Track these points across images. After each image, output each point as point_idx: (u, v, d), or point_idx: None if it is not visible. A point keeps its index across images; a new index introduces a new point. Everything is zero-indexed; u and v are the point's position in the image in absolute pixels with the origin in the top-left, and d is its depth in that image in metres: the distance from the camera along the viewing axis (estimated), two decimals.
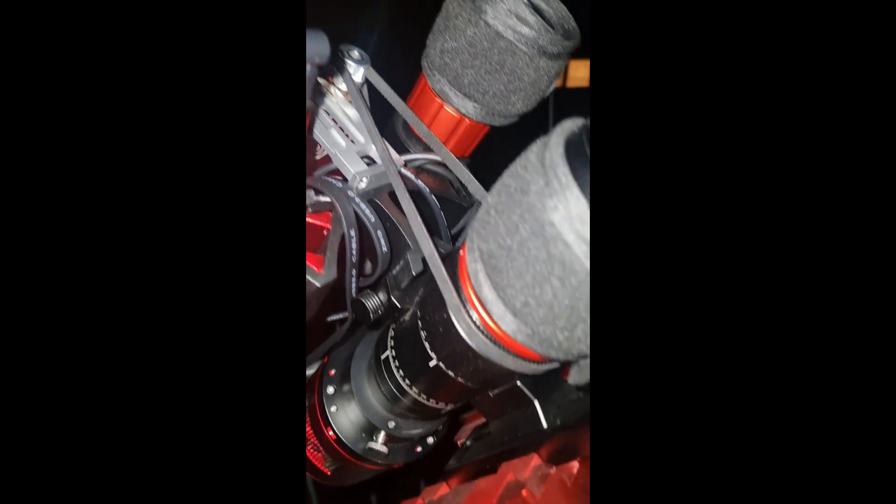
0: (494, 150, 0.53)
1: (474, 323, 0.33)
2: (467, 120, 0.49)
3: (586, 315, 0.28)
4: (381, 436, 0.52)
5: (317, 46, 0.27)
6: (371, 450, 0.51)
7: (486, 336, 0.33)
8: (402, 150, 0.49)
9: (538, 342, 0.30)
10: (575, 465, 0.37)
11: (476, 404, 0.46)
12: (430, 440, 0.57)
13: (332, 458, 0.56)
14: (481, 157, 0.55)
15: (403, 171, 0.45)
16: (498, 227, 0.29)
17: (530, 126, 0.49)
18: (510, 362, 0.34)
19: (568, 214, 0.24)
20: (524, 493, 0.33)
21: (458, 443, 0.58)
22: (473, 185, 0.42)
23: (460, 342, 0.35)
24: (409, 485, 0.57)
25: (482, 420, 0.56)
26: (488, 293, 0.31)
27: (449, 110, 0.48)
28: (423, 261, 0.43)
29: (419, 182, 0.47)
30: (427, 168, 0.51)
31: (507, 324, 0.31)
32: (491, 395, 0.43)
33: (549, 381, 0.42)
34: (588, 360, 0.31)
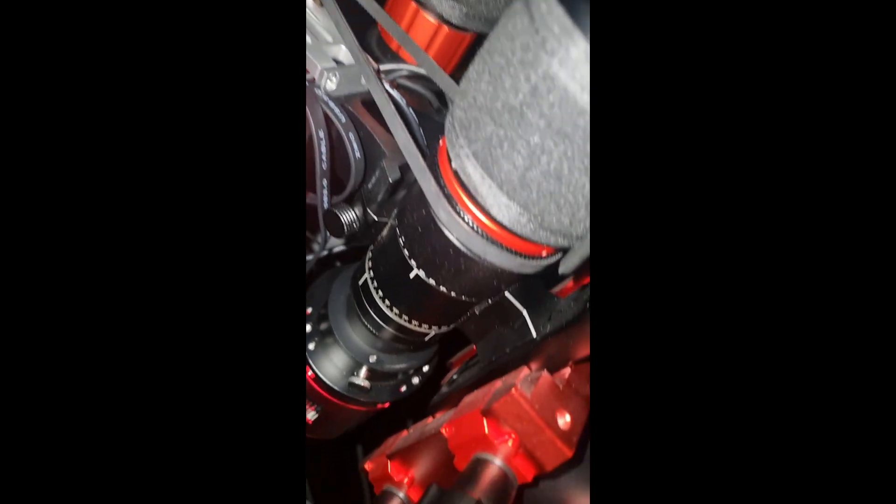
0: None
1: (455, 211, 0.31)
2: (446, 28, 0.45)
3: (586, 180, 0.25)
4: (363, 370, 0.49)
5: None
6: (353, 385, 0.49)
7: (469, 224, 0.30)
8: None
9: (533, 223, 0.28)
10: (567, 371, 0.34)
11: (462, 327, 0.43)
12: (416, 380, 0.55)
13: (312, 402, 0.53)
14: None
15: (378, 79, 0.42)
16: (485, 105, 0.26)
17: None
18: (494, 255, 0.31)
19: (567, 61, 0.22)
20: (514, 390, 0.30)
21: (444, 383, 0.55)
22: (455, 91, 0.39)
23: (440, 237, 0.32)
24: (396, 427, 0.54)
25: (469, 356, 0.54)
26: (478, 180, 0.28)
27: (427, 17, 0.45)
28: (401, 168, 0.40)
29: (395, 94, 0.44)
30: (403, 83, 0.47)
31: (500, 208, 0.28)
32: (476, 312, 0.41)
33: (536, 294, 0.39)
34: (584, 241, 0.28)
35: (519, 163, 0.26)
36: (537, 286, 0.39)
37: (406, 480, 0.41)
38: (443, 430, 0.35)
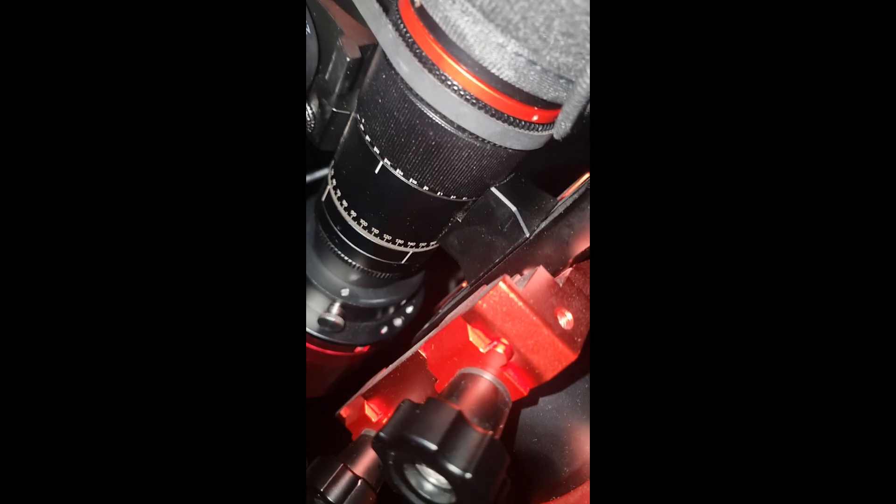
0: None
1: (418, 58, 0.24)
2: None
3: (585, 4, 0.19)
4: (336, 306, 0.43)
5: None
6: (324, 321, 0.43)
7: (437, 76, 0.24)
8: None
9: (519, 57, 0.22)
10: (567, 270, 0.29)
11: (444, 243, 0.37)
12: (399, 322, 0.49)
13: None
14: None
15: None
16: None
17: None
18: (471, 119, 0.25)
19: None
20: (501, 282, 0.24)
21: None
22: None
23: (402, 103, 0.26)
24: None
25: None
26: (448, 5, 0.22)
27: None
28: (363, 49, 0.34)
29: None
30: None
31: (477, 39, 0.22)
32: (459, 219, 0.35)
33: (529, 192, 0.33)
34: (582, 79, 0.22)
35: None
36: (529, 182, 0.33)
37: (386, 420, 0.35)
38: (420, 350, 0.29)
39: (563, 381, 0.26)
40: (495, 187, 0.32)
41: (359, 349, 0.47)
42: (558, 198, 0.42)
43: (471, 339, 0.26)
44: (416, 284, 0.47)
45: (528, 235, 0.30)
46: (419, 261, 0.40)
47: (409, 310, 0.49)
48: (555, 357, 0.24)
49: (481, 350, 0.25)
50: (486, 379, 0.25)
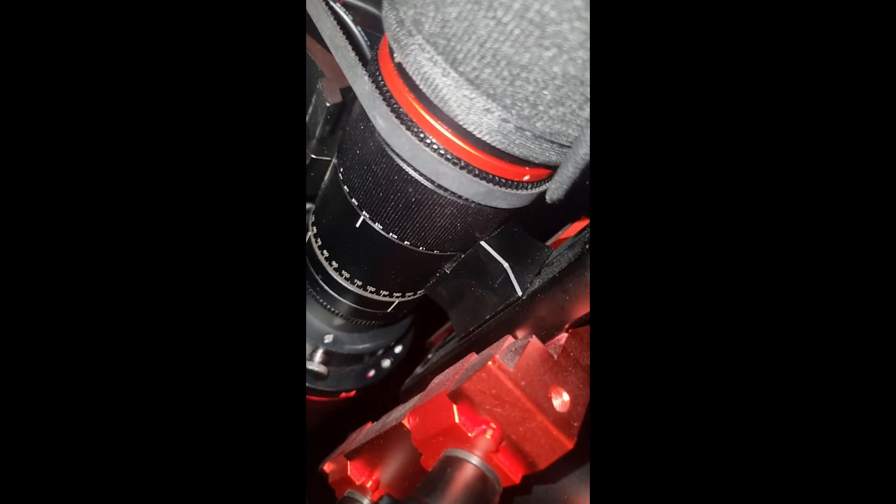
0: None
1: (396, 115, 0.22)
2: None
3: (585, 40, 0.17)
4: (318, 354, 0.41)
5: None
6: (306, 371, 0.40)
7: (416, 133, 0.22)
8: None
9: (508, 122, 0.20)
10: (563, 337, 0.26)
11: (431, 292, 0.35)
12: (387, 363, 0.47)
13: None
14: None
15: None
16: None
17: None
18: (452, 178, 0.23)
19: None
20: (491, 363, 0.22)
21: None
22: None
23: (380, 157, 0.24)
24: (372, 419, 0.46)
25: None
26: (429, 67, 0.20)
27: None
28: (343, 93, 0.31)
29: (340, 10, 0.35)
30: (350, 2, 0.39)
31: (460, 104, 0.20)
32: (448, 271, 0.32)
33: (521, 243, 0.31)
34: (580, 145, 0.20)
35: (479, 20, 0.17)
36: (522, 233, 0.31)
37: (370, 484, 0.33)
38: (405, 422, 0.27)
39: (561, 466, 0.24)
40: (485, 241, 0.30)
41: (344, 395, 0.44)
42: (549, 243, 0.39)
43: (457, 420, 0.24)
44: (405, 326, 0.45)
45: (520, 294, 0.28)
46: (406, 308, 0.37)
47: (399, 349, 0.47)
48: (549, 446, 0.22)
49: (469, 434, 0.23)
50: (472, 465, 0.23)
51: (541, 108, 0.19)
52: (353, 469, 0.34)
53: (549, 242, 0.40)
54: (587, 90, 0.18)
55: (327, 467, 0.38)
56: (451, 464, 0.23)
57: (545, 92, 0.18)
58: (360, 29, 0.36)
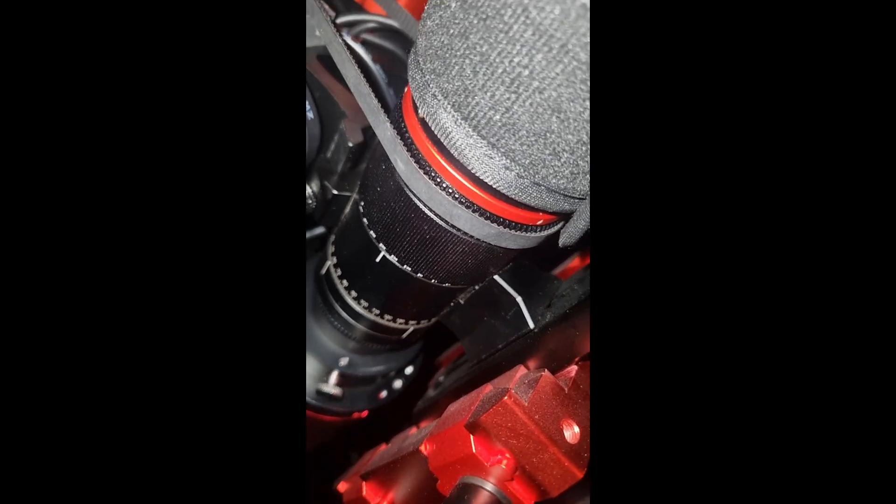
0: None
1: (417, 161, 0.24)
2: None
3: (588, 114, 0.19)
4: (334, 376, 0.42)
5: None
6: (322, 393, 0.42)
7: (434, 179, 0.24)
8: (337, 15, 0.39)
9: (523, 179, 0.21)
10: (573, 370, 0.28)
11: (446, 321, 0.36)
12: (398, 384, 0.48)
13: None
14: None
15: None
16: (455, 20, 0.19)
17: None
18: (464, 220, 0.24)
19: None
20: (507, 398, 0.24)
21: (431, 385, 0.48)
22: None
23: (399, 197, 0.26)
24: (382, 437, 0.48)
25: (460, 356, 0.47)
26: (451, 126, 0.21)
27: None
28: (365, 132, 0.33)
29: (359, 48, 0.37)
30: (371, 39, 0.41)
31: (480, 160, 0.21)
32: (462, 301, 0.34)
33: (532, 277, 0.33)
34: (587, 203, 0.22)
35: (501, 94, 0.19)
36: (532, 268, 0.33)
37: None
38: (422, 448, 0.29)
39: (572, 494, 0.26)
40: (497, 275, 0.31)
41: (356, 415, 0.46)
42: (557, 272, 0.41)
43: (474, 451, 0.25)
44: (416, 349, 0.47)
45: (532, 327, 0.30)
46: (419, 334, 0.39)
47: (409, 370, 0.48)
48: (561, 476, 0.24)
49: (485, 464, 0.25)
50: (488, 492, 0.25)
51: (556, 168, 0.20)
52: (368, 489, 0.36)
53: (556, 272, 0.42)
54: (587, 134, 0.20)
55: (342, 487, 0.39)
56: (469, 490, 0.25)
57: (561, 155, 0.20)
58: (379, 67, 0.38)
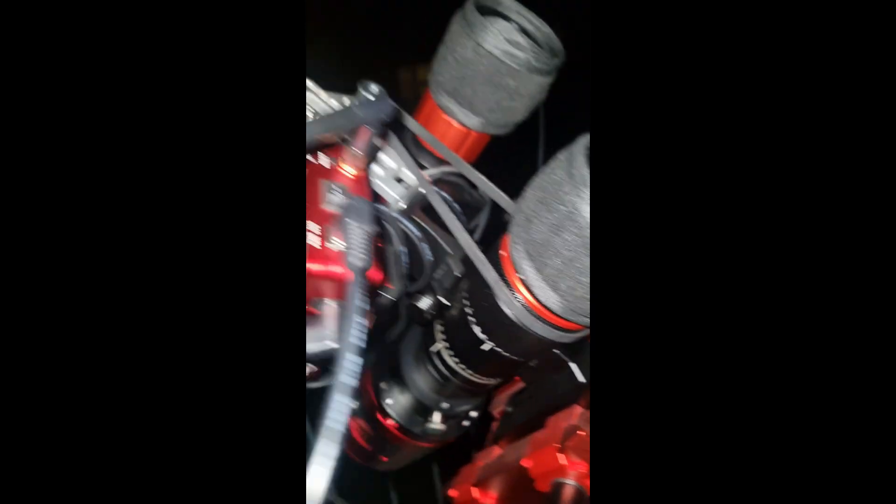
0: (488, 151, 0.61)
1: (521, 304, 0.41)
2: (473, 133, 0.56)
3: None
4: (437, 416, 0.59)
5: (382, 106, 0.34)
6: (428, 430, 0.59)
7: (534, 315, 0.41)
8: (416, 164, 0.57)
9: (573, 311, 0.39)
10: None
11: (519, 374, 0.54)
12: (474, 413, 0.66)
13: (391, 445, 0.63)
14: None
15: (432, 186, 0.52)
16: (537, 223, 0.37)
17: (520, 129, 0.58)
18: (552, 334, 0.42)
19: (585, 199, 0.33)
20: (581, 433, 0.41)
21: (495, 412, 0.66)
22: (492, 190, 0.50)
23: (513, 326, 0.43)
24: (462, 455, 0.65)
25: (514, 389, 0.64)
26: (530, 272, 0.39)
27: (457, 126, 0.56)
28: (464, 261, 0.50)
29: (443, 193, 0.54)
30: (443, 179, 0.58)
31: (551, 300, 0.39)
32: (533, 364, 0.51)
33: (581, 347, 0.50)
34: None
35: (557, 264, 0.36)
36: (583, 340, 0.51)
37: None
38: (523, 463, 0.46)
39: None
40: (556, 350, 0.49)
41: (449, 440, 0.63)
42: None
43: (561, 462, 0.43)
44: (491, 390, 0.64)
45: (583, 381, 0.47)
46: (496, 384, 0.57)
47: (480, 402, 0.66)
48: None
49: (569, 471, 0.42)
50: (573, 486, 0.42)
51: (580, 302, 0.38)
52: (479, 493, 0.53)
53: None
54: None
55: (453, 493, 0.57)
56: (560, 487, 0.42)
57: (581, 295, 0.37)
58: (458, 208, 0.55)
